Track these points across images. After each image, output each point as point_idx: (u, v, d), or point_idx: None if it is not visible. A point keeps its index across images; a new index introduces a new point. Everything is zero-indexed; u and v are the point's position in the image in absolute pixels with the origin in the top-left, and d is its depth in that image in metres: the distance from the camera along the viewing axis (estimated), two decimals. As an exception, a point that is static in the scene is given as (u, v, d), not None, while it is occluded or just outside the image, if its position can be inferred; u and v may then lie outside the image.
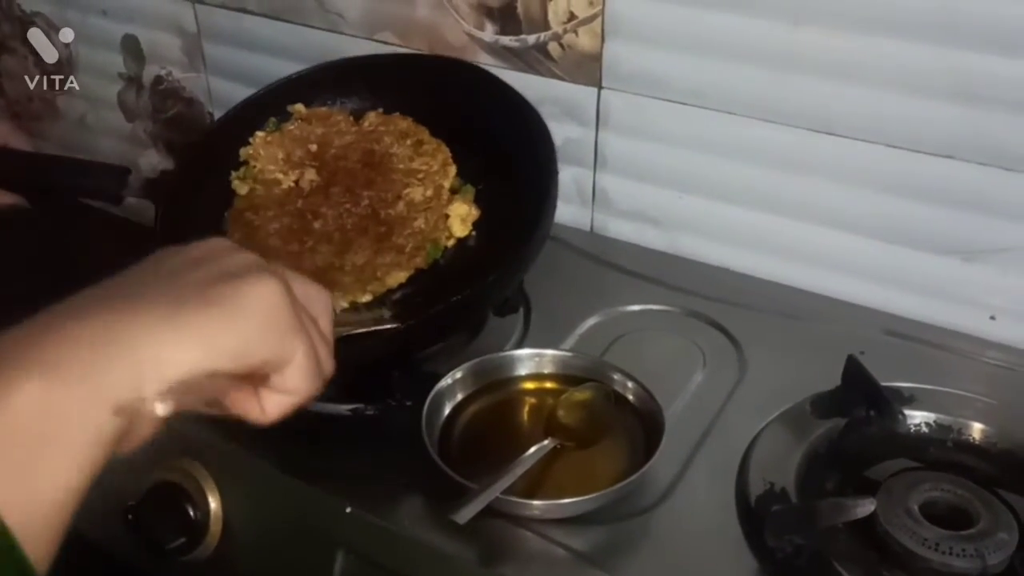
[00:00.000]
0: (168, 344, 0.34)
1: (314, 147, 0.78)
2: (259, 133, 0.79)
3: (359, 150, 0.78)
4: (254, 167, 0.77)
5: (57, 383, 0.32)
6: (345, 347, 0.61)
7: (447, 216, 0.72)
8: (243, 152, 0.78)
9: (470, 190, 0.74)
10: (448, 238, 0.71)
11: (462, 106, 0.77)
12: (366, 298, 0.68)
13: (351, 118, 0.80)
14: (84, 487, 0.33)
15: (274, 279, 0.37)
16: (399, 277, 0.68)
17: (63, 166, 0.87)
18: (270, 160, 0.77)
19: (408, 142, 0.78)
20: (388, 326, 0.62)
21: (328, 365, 0.40)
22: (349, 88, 0.82)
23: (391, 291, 0.68)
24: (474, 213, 0.73)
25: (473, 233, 0.72)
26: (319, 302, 0.42)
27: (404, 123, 0.79)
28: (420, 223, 0.72)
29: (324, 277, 0.68)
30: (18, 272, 0.99)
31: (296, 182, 0.76)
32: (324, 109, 0.81)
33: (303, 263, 0.70)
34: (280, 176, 0.77)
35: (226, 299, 0.35)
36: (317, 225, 0.73)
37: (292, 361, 0.38)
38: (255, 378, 0.38)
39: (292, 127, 0.79)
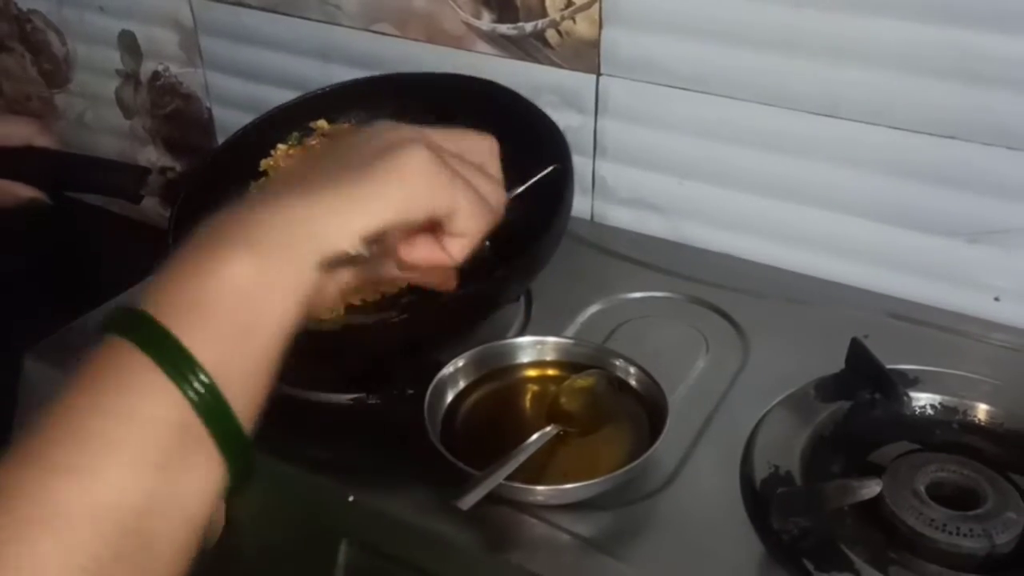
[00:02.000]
0: (342, 213, 0.41)
1: None
2: (280, 146, 0.78)
3: None
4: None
5: (262, 256, 0.39)
6: (354, 338, 0.62)
7: None
8: (264, 163, 0.77)
9: None
10: None
11: (489, 126, 0.77)
12: (374, 296, 0.67)
13: None
14: (282, 348, 0.39)
15: (420, 145, 0.44)
16: None
17: (85, 164, 0.87)
18: None
19: None
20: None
21: (497, 199, 0.47)
22: (377, 105, 0.80)
23: (400, 294, 0.68)
24: None
25: (487, 244, 0.72)
26: (481, 150, 0.49)
27: None
28: None
29: None
30: (33, 263, 0.99)
31: None
32: (347, 126, 0.80)
33: None
34: None
35: (383, 169, 0.43)
36: None
37: (458, 208, 0.44)
38: (435, 230, 0.46)
39: (314, 142, 0.78)
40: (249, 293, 0.38)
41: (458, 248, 0.46)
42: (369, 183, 0.42)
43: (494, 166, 0.50)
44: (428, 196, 0.44)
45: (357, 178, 0.42)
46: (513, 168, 0.72)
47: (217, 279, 0.38)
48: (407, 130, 0.45)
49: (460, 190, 0.45)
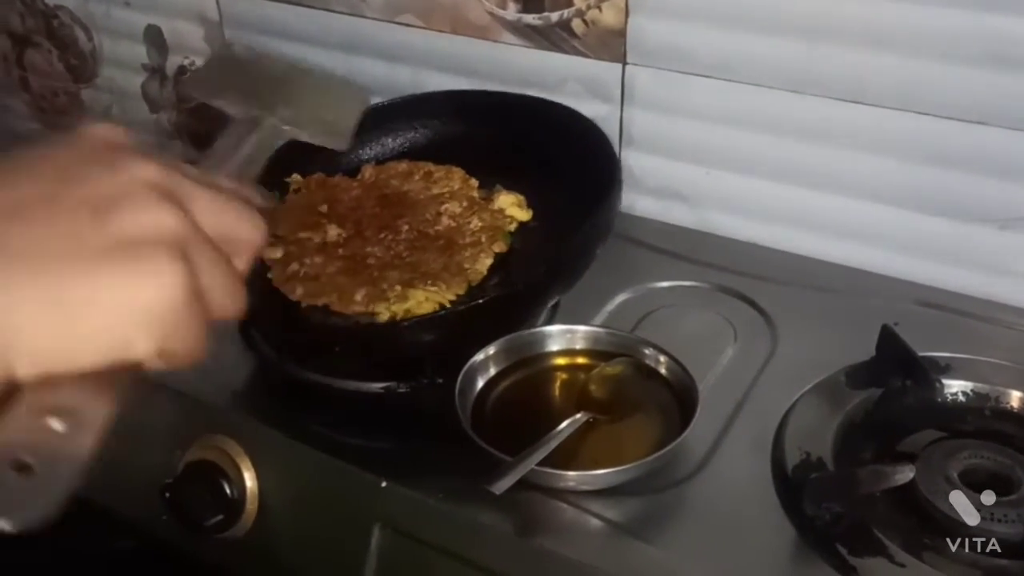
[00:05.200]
0: (41, 328, 0.30)
1: (324, 207, 0.75)
2: None
3: (372, 198, 0.75)
4: (277, 234, 0.72)
5: None
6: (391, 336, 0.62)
7: (501, 210, 0.73)
8: None
9: (500, 190, 0.75)
10: (511, 223, 0.73)
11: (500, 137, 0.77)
12: (461, 290, 0.66)
13: (346, 177, 0.78)
14: None
15: (176, 265, 0.32)
16: (486, 263, 0.68)
17: None
18: (291, 227, 0.73)
19: (416, 177, 0.77)
20: None
21: (227, 305, 0.34)
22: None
23: (483, 285, 0.68)
24: (521, 198, 0.74)
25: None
26: (244, 239, 0.36)
27: (403, 165, 0.79)
28: (476, 222, 0.72)
29: (417, 273, 0.67)
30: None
31: (323, 241, 0.71)
32: (319, 175, 0.78)
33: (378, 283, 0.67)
34: (308, 235, 0.72)
35: (114, 285, 0.31)
36: (372, 261, 0.69)
37: (177, 354, 0.33)
38: None
39: (295, 197, 0.77)
40: None
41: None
42: (94, 297, 0.30)
43: (244, 263, 0.37)
44: (154, 337, 0.31)
45: (72, 281, 0.30)
46: (567, 190, 0.73)
47: None
48: (157, 205, 0.32)
49: (192, 336, 0.33)
